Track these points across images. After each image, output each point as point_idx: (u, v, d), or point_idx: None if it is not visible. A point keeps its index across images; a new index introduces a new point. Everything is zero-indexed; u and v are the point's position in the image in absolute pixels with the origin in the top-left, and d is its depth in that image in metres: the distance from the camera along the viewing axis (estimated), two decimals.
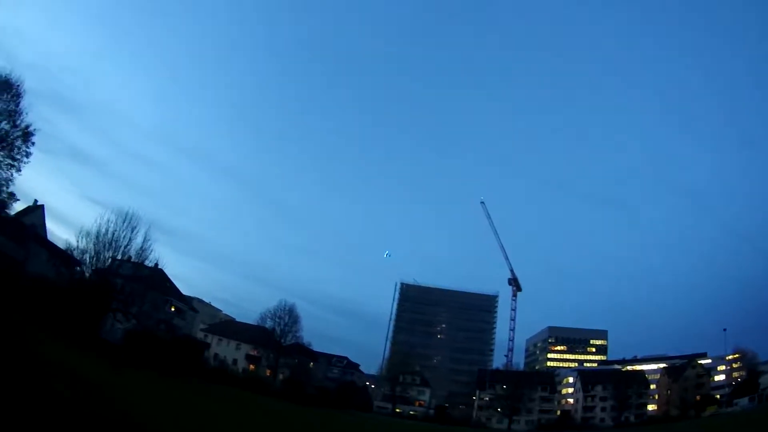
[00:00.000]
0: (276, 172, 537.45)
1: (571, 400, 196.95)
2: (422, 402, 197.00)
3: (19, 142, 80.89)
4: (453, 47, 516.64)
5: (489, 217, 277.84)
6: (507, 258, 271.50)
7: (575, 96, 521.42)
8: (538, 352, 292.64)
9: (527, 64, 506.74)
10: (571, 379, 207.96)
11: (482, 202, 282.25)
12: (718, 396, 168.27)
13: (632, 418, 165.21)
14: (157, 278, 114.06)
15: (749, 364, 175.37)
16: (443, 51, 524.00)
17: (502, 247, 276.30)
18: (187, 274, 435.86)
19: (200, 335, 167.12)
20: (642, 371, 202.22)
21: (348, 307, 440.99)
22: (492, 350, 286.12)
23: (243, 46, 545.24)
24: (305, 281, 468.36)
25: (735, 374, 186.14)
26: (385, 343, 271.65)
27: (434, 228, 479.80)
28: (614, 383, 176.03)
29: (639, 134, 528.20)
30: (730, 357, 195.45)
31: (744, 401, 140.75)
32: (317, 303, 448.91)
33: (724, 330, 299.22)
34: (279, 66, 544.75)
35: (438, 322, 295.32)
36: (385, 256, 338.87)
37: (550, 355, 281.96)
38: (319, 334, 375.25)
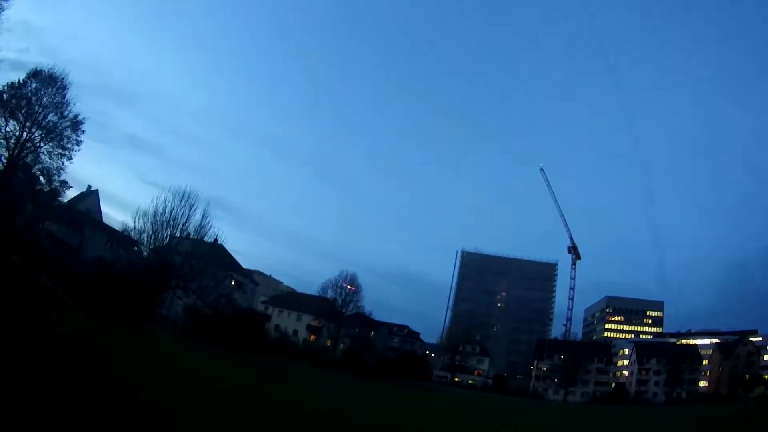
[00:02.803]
0: (337, 149, 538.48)
1: (626, 373, 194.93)
2: (481, 371, 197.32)
3: (68, 132, 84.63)
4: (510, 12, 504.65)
5: (549, 184, 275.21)
6: (567, 226, 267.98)
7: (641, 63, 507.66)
8: (595, 322, 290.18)
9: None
10: (626, 351, 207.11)
11: (541, 169, 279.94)
12: (766, 377, 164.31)
13: (684, 395, 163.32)
14: (217, 253, 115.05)
15: None
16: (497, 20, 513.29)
17: (561, 214, 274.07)
18: (248, 250, 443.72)
19: (260, 307, 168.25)
20: (695, 346, 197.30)
21: (409, 278, 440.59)
22: (551, 320, 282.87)
23: (285, 27, 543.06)
24: (367, 254, 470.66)
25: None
26: (446, 312, 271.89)
27: (495, 196, 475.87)
28: (668, 357, 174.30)
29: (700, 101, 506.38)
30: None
31: None
32: (378, 274, 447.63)
33: None
34: (326, 45, 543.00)
35: (498, 291, 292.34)
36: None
37: (607, 326, 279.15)
38: (380, 304, 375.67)
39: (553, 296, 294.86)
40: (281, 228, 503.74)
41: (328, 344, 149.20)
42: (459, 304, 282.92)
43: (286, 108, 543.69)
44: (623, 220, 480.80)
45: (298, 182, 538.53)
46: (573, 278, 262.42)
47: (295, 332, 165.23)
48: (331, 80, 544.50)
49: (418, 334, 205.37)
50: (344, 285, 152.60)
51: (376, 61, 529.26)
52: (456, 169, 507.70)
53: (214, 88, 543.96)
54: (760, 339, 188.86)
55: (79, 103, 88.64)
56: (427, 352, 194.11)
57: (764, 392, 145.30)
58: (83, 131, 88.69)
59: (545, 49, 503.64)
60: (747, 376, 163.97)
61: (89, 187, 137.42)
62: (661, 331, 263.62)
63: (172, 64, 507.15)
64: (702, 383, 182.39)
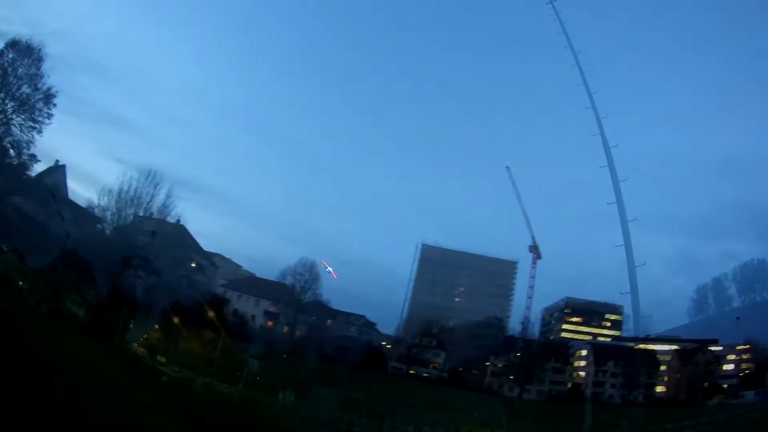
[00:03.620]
0: (305, 130, 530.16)
1: (582, 374, 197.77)
2: (437, 364, 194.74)
3: (40, 105, 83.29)
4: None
5: (513, 183, 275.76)
6: (529, 225, 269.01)
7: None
8: (553, 322, 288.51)
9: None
10: (584, 352, 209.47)
11: (507, 168, 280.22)
12: (725, 386, 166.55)
13: (640, 398, 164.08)
14: (179, 234, 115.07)
15: (759, 356, 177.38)
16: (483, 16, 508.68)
17: (524, 213, 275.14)
18: (213, 232, 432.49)
19: (220, 291, 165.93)
20: (654, 351, 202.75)
21: (369, 266, 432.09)
22: (509, 317, 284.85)
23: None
24: (329, 238, 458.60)
25: (744, 365, 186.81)
26: (404, 304, 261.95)
27: (461, 191, 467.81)
28: (626, 360, 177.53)
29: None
30: (741, 347, 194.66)
31: (750, 394, 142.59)
32: (339, 260, 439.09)
33: (737, 318, 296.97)
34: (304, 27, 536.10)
35: (457, 286, 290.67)
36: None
37: (565, 326, 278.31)
38: (339, 291, 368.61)
39: (512, 294, 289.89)
40: (249, 210, 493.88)
41: (285, 331, 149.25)
42: (417, 297, 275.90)
43: (269, 89, 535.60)
44: (589, 225, 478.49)
45: (272, 165, 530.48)
46: (533, 277, 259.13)
47: (253, 317, 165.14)
48: (309, 65, 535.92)
49: (375, 324, 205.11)
50: (325, 267, 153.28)
51: (355, 48, 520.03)
52: (425, 161, 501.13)
53: (195, 66, 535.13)
54: (721, 348, 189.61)
55: (55, 75, 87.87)
56: (384, 342, 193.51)
57: (723, 400, 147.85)
58: (55, 104, 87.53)
59: (522, 50, 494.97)
60: (706, 384, 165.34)
61: (57, 161, 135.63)
62: (619, 334, 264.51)
63: (155, 40, 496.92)
64: (660, 388, 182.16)
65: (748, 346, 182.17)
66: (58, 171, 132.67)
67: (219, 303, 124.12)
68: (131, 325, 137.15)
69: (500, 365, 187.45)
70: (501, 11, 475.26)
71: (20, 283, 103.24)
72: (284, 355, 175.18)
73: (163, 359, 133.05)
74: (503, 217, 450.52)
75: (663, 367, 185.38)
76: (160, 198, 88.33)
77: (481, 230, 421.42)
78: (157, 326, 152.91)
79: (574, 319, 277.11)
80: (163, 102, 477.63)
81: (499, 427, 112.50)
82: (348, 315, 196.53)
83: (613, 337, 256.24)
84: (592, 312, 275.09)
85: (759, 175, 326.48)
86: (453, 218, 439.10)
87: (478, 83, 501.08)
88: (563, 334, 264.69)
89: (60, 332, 62.10)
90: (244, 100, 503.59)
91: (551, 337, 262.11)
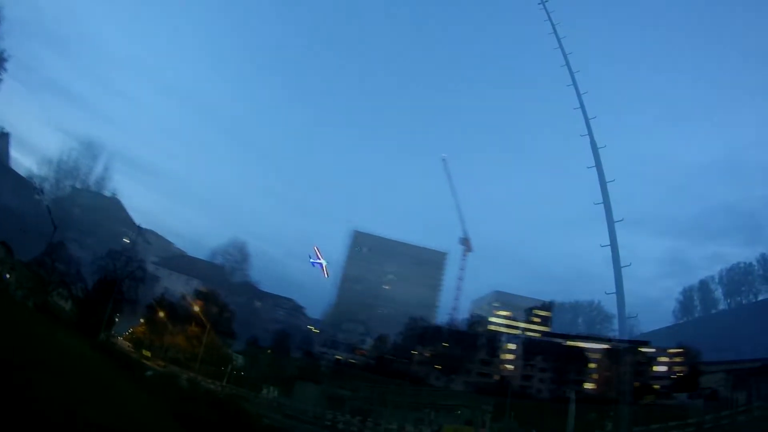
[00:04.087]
0: (243, 113, 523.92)
1: (510, 367, 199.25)
2: (363, 351, 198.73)
3: None
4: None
5: (449, 175, 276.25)
6: (461, 217, 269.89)
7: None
8: (482, 314, 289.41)
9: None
10: (512, 346, 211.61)
11: (443, 159, 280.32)
12: (656, 386, 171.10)
13: (569, 394, 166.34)
14: (114, 208, 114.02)
15: (692, 360, 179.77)
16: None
17: (457, 205, 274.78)
18: (146, 207, 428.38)
19: (151, 268, 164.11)
20: (583, 348, 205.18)
21: (299, 249, 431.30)
22: (437, 307, 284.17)
23: None
24: (262, 220, 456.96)
25: (677, 368, 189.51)
26: (333, 289, 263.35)
27: (397, 179, 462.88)
28: (555, 356, 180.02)
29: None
30: (673, 350, 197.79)
31: (683, 396, 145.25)
32: (270, 241, 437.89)
33: (634, 317, 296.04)
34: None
35: (387, 273, 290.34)
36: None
37: (493, 319, 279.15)
38: (268, 272, 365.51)
39: (441, 285, 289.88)
40: (184, 189, 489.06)
41: (214, 311, 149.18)
42: (346, 283, 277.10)
43: (212, 71, 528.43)
44: (576, 226, 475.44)
45: (211, 145, 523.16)
46: (462, 269, 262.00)
47: (184, 296, 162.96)
48: (251, 49, 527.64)
49: (304, 308, 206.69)
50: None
51: (297, 31, 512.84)
52: (362, 148, 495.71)
53: (144, 42, 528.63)
54: (652, 350, 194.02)
55: (8, 39, 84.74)
56: (311, 327, 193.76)
57: (654, 401, 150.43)
58: (5, 69, 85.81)
59: (469, 40, 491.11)
60: (637, 384, 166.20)
61: (1, 128, 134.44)
62: (548, 330, 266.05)
63: (109, 11, 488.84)
64: (589, 385, 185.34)
65: (681, 350, 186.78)
66: (2, 139, 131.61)
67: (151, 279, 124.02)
68: (116, 319, 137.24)
69: (427, 354, 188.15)
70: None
71: (7, 276, 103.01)
72: (269, 351, 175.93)
73: (148, 353, 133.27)
74: (440, 209, 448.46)
75: (592, 365, 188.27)
76: (98, 170, 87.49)
77: (416, 221, 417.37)
78: (142, 320, 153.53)
79: (503, 313, 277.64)
80: (112, 75, 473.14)
81: (482, 426, 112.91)
82: (277, 298, 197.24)
83: (543, 333, 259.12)
84: (521, 307, 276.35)
85: (748, 179, 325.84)
86: (387, 207, 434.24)
87: (440, 77, 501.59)
88: (492, 327, 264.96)
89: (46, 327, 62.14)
90: (192, 81, 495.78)
91: (480, 330, 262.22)
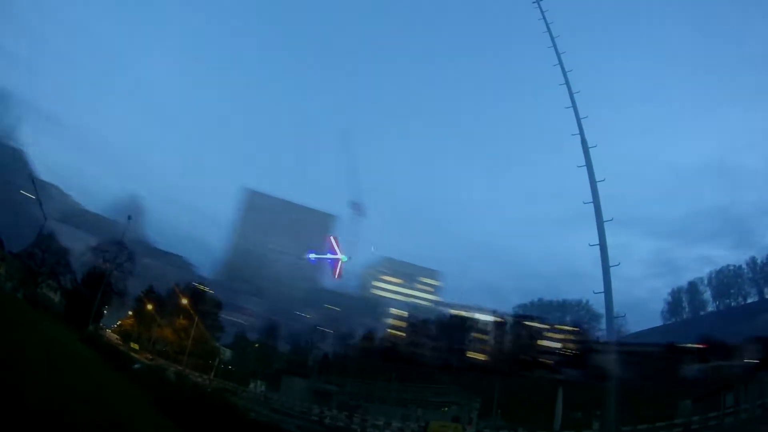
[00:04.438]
0: (144, 62, 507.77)
1: (399, 333, 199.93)
2: (252, 311, 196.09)
3: None
4: None
5: (346, 138, 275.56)
6: (356, 181, 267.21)
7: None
8: (371, 280, 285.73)
9: None
10: (403, 313, 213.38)
11: (345, 131, 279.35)
12: (547, 361, 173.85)
13: (457, 363, 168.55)
14: (16, 160, 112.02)
15: (583, 338, 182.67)
16: None
17: (353, 169, 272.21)
18: (58, 161, 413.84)
19: (51, 224, 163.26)
20: (473, 319, 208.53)
21: (194, 204, 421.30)
22: (326, 270, 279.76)
23: None
24: (157, 174, 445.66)
25: (568, 346, 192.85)
26: (223, 248, 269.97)
27: (289, 138, 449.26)
28: (442, 325, 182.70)
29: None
30: (564, 327, 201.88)
31: (572, 372, 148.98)
32: (165, 198, 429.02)
33: (622, 316, 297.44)
34: None
35: (277, 234, 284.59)
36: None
37: (382, 285, 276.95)
38: (163, 229, 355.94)
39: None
40: (96, 143, 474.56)
41: (105, 266, 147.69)
42: (237, 241, 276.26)
43: (132, 21, 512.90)
44: (566, 225, 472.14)
45: (111, 96, 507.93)
46: (353, 234, 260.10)
47: (81, 253, 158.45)
48: None
49: (194, 266, 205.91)
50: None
51: None
52: (262, 106, 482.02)
53: None
54: (546, 326, 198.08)
55: None
56: (200, 285, 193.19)
57: (544, 374, 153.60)
58: None
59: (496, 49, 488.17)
60: (525, 358, 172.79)
61: None
62: (436, 299, 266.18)
63: None
64: (478, 356, 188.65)
65: (574, 329, 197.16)
66: None
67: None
68: (105, 312, 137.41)
69: (314, 317, 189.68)
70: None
71: None
72: (256, 345, 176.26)
73: (136, 346, 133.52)
74: (334, 172, 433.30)
75: (482, 336, 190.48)
76: (5, 121, 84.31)
77: (308, 181, 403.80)
78: (131, 312, 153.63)
79: (392, 280, 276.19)
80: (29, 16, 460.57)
81: (469, 423, 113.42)
82: (167, 254, 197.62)
83: (431, 301, 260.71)
84: (410, 274, 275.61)
85: (739, 183, 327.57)
86: (283, 167, 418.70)
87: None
88: (380, 293, 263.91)
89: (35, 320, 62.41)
90: (103, 25, 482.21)
91: (368, 295, 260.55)
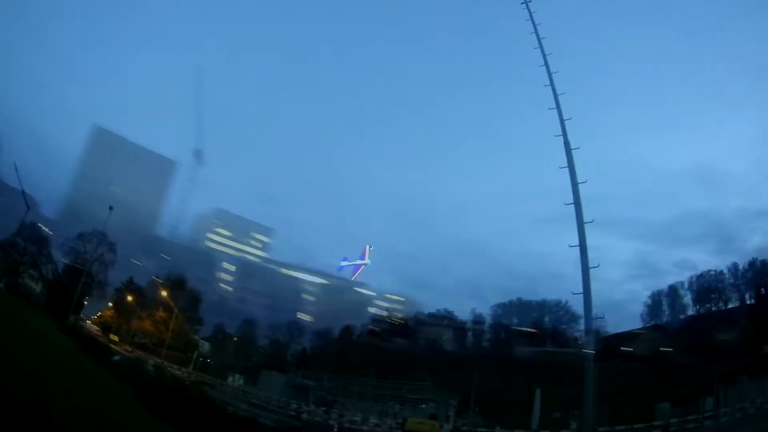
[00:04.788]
0: None
1: (228, 288, 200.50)
2: (87, 257, 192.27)
3: None
4: None
5: (199, 82, 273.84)
6: (200, 128, 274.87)
7: None
8: (203, 230, 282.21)
9: None
10: (231, 267, 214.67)
11: (198, 69, 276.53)
12: (377, 330, 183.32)
13: (285, 321, 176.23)
14: None
15: (411, 309, 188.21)
16: None
17: (199, 114, 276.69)
18: None
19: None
20: (301, 279, 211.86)
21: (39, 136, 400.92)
22: (161, 216, 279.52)
23: None
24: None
25: (399, 316, 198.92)
26: (67, 187, 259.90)
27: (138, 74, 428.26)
28: (272, 282, 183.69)
29: None
30: (393, 296, 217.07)
31: (402, 341, 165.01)
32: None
33: (601, 317, 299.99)
34: None
35: (121, 175, 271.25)
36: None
37: (214, 237, 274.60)
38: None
39: (167, 194, 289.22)
40: None
41: None
42: (82, 181, 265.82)
43: None
44: (546, 225, 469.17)
45: None
46: (192, 181, 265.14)
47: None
48: None
49: (39, 204, 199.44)
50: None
51: None
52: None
53: None
54: (373, 294, 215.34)
55: None
56: (42, 225, 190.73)
57: (376, 342, 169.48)
58: None
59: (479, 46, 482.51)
60: (351, 323, 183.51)
61: None
62: (266, 256, 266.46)
63: None
64: (304, 315, 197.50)
65: (402, 299, 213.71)
66: None
67: None
68: (85, 302, 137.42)
69: (149, 266, 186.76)
70: None
71: None
72: (235, 339, 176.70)
73: (116, 338, 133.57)
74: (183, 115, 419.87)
75: (310, 297, 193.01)
76: None
77: (156, 122, 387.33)
78: (111, 303, 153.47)
79: (223, 232, 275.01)
80: None
81: (446, 421, 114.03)
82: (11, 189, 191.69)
83: (261, 258, 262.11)
84: (242, 228, 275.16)
85: (722, 190, 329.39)
86: (129, 105, 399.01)
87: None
88: (211, 244, 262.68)
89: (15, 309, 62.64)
90: None
91: (200, 246, 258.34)
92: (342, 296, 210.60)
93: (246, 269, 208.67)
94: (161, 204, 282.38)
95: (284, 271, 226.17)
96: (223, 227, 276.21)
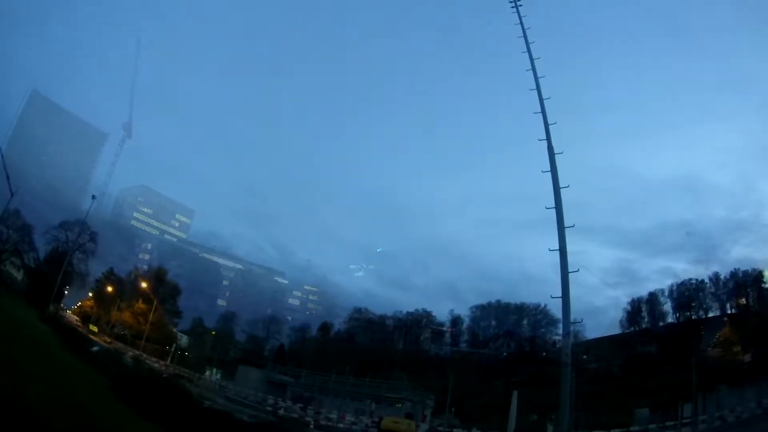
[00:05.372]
0: None
1: (144, 267, 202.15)
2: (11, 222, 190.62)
3: None
4: None
5: (137, 51, 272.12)
6: (132, 99, 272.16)
7: None
8: (126, 207, 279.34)
9: None
10: (149, 246, 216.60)
11: (137, 41, 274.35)
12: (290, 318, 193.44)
13: (203, 306, 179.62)
14: None
15: (329, 304, 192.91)
16: None
17: (132, 84, 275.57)
18: None
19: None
20: (218, 263, 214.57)
21: None
22: (86, 189, 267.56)
23: None
24: None
25: (312, 306, 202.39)
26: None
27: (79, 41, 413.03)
28: (192, 264, 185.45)
29: None
30: (309, 287, 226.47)
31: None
32: None
33: (579, 321, 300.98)
34: None
35: (51, 143, 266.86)
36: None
37: (136, 214, 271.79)
38: None
39: (96, 167, 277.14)
40: None
41: None
42: (13, 146, 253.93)
43: None
44: (527, 229, 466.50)
45: None
46: (117, 154, 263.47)
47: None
48: None
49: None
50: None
51: None
52: None
53: None
54: (286, 282, 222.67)
55: None
56: None
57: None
58: None
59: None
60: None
61: None
62: (185, 236, 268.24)
63: None
64: (221, 301, 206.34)
65: (315, 289, 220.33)
66: None
67: None
68: (66, 292, 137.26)
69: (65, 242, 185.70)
70: None
71: None
72: (213, 332, 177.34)
73: (95, 328, 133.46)
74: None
75: (226, 282, 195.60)
76: None
77: (92, 93, 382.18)
78: (91, 294, 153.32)
79: (146, 210, 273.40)
80: None
81: (423, 420, 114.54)
82: None
83: (179, 238, 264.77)
84: (163, 207, 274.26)
85: (706, 200, 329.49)
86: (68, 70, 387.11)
87: None
88: (134, 222, 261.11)
89: None
90: None
91: (122, 222, 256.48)
92: (258, 284, 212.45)
93: (164, 249, 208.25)
94: (89, 176, 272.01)
95: (204, 255, 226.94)
96: (146, 205, 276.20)
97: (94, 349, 64.54)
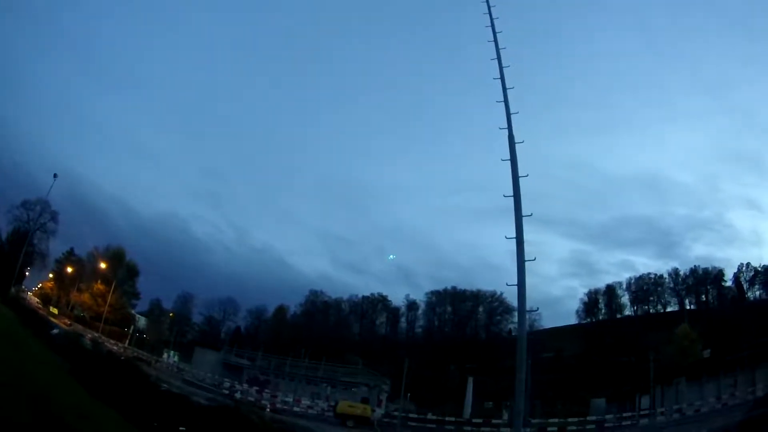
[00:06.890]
0: None
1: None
2: None
3: None
4: None
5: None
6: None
7: None
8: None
9: None
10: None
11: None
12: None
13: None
14: None
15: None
16: None
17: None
18: None
19: None
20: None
21: None
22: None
23: None
24: None
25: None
26: None
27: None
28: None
29: None
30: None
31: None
32: None
33: (535, 310, 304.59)
34: None
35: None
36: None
37: None
38: None
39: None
40: None
41: None
42: None
43: None
44: (485, 216, 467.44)
45: None
46: None
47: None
48: None
49: None
50: None
51: None
52: None
53: None
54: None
55: None
56: None
57: None
58: None
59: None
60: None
61: None
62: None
63: None
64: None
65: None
66: None
67: None
68: (27, 273, 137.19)
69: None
70: None
71: None
72: (171, 314, 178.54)
73: (55, 311, 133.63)
74: None
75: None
76: None
77: None
78: (51, 275, 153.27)
79: None
80: None
81: (378, 405, 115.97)
82: None
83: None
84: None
85: (668, 198, 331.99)
86: None
87: None
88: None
89: None
90: None
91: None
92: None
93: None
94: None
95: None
96: None
97: (54, 331, 65.41)
